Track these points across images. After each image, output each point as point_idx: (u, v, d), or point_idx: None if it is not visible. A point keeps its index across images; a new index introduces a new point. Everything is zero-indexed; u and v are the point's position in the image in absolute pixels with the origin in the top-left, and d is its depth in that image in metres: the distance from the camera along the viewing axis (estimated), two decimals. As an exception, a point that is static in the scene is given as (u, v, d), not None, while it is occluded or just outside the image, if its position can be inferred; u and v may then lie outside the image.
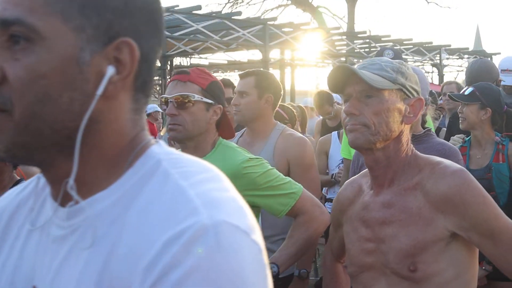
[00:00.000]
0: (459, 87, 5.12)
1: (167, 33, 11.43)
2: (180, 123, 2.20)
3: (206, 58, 17.86)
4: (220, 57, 17.59)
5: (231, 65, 17.93)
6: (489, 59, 4.31)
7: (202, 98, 2.21)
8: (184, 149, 2.26)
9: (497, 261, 1.62)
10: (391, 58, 3.37)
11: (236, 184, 2.23)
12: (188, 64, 27.01)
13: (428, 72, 18.36)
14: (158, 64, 13.78)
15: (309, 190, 2.36)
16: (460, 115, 3.32)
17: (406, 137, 1.69)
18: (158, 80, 13.69)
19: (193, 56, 19.16)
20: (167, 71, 13.86)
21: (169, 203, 0.72)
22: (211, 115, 2.24)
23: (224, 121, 2.33)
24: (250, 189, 2.16)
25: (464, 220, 1.56)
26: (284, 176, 2.27)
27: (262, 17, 14.82)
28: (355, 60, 15.02)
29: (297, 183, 2.29)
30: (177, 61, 27.70)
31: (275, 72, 9.93)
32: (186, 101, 2.19)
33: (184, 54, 14.77)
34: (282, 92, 3.09)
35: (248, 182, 2.16)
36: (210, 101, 2.22)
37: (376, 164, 1.66)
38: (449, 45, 15.91)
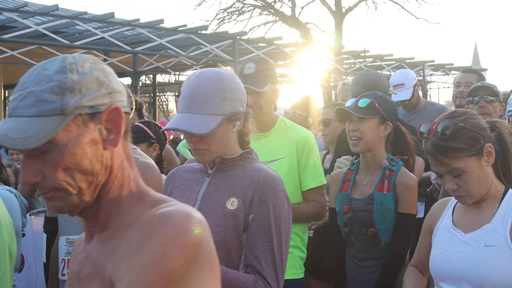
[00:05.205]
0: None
1: (128, 47, 10.93)
2: None
3: (187, 75, 17.35)
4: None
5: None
6: (378, 71, 3.82)
7: None
8: None
9: None
10: (253, 73, 2.69)
11: None
12: (174, 80, 26.64)
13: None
14: (130, 81, 13.36)
15: None
16: (353, 133, 2.67)
17: (118, 160, 1.19)
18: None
19: (181, 73, 18.71)
20: (138, 88, 13.39)
21: None
22: None
23: None
24: None
25: (123, 264, 1.08)
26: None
27: (232, 32, 14.34)
28: (332, 75, 14.46)
29: None
30: (165, 78, 27.34)
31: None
32: None
33: (157, 70, 14.27)
34: (134, 107, 2.52)
35: None
36: None
37: (84, 211, 1.20)
38: (433, 61, 15.34)
